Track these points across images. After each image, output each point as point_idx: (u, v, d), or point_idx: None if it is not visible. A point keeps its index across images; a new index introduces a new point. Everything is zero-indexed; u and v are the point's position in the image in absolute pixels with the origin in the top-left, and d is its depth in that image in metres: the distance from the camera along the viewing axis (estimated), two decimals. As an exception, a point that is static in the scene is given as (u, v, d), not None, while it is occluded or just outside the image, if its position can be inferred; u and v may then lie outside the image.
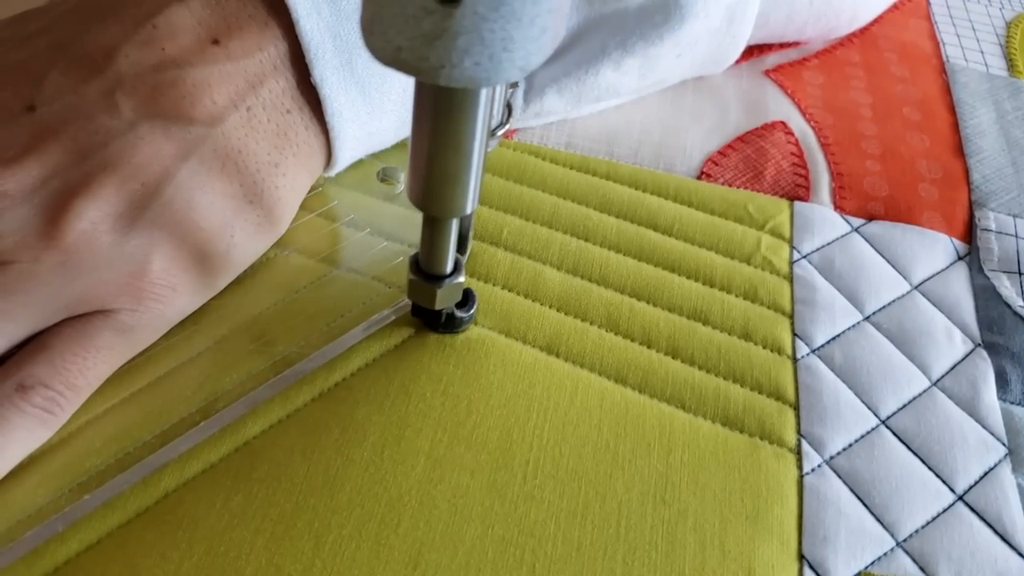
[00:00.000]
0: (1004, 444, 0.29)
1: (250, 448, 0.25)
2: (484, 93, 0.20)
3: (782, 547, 0.25)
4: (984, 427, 0.29)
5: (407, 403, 0.27)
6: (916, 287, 0.33)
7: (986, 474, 0.28)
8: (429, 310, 0.27)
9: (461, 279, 0.26)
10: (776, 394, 0.29)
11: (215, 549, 0.23)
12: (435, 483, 0.25)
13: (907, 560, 0.26)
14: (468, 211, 0.23)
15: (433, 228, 0.24)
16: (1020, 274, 0.34)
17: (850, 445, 0.28)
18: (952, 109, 0.40)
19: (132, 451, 0.25)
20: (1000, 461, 0.28)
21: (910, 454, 0.28)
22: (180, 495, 0.24)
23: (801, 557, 0.25)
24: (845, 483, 0.27)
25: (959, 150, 0.38)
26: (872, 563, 0.26)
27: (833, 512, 0.26)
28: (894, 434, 0.29)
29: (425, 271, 0.26)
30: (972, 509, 0.27)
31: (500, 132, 0.29)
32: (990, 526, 0.27)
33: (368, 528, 0.24)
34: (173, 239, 0.25)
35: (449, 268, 0.26)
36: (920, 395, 0.30)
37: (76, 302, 0.24)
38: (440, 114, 0.21)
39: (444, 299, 0.27)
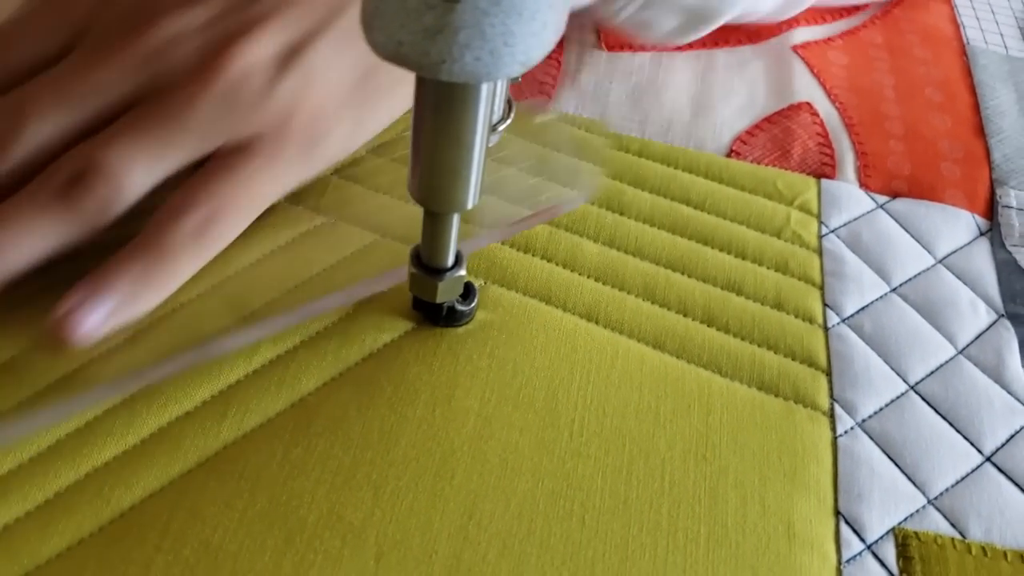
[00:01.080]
0: (1028, 410, 0.30)
1: (305, 404, 0.26)
2: (485, 88, 0.21)
3: (819, 503, 0.26)
4: (1009, 393, 0.30)
5: (455, 364, 0.28)
6: (940, 261, 0.34)
7: (1012, 437, 0.29)
8: (430, 303, 0.28)
9: (462, 272, 0.26)
10: (809, 360, 0.30)
11: (278, 498, 0.24)
12: (486, 439, 0.26)
13: (938, 516, 0.27)
14: (469, 206, 0.24)
15: (434, 223, 0.25)
16: (1040, 249, 0.35)
17: (881, 409, 0.29)
18: (972, 90, 0.41)
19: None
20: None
21: (939, 418, 0.29)
22: (239, 447, 0.25)
23: (837, 513, 0.26)
24: (877, 444, 0.28)
25: (980, 130, 0.39)
26: (905, 519, 0.27)
27: (866, 471, 0.27)
28: (923, 399, 0.29)
29: (426, 264, 0.26)
30: (1000, 469, 0.28)
31: (501, 127, 0.30)
32: (1017, 485, 0.28)
33: (424, 480, 0.25)
34: (312, 94, 0.27)
35: (450, 262, 0.26)
36: (947, 363, 0.31)
37: (230, 134, 0.26)
38: (441, 109, 0.21)
39: (445, 292, 0.27)
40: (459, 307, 0.28)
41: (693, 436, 0.27)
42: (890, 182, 0.36)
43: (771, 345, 0.30)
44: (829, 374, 0.30)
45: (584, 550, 0.24)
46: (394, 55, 0.19)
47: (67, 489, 0.24)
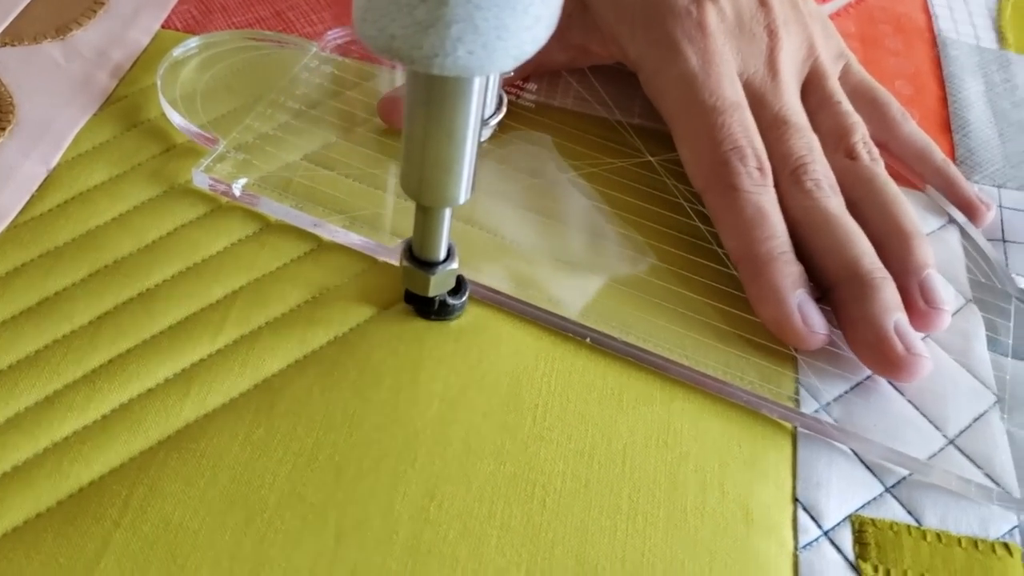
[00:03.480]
0: (994, 392, 0.30)
1: (269, 385, 0.26)
2: (478, 82, 0.21)
3: (778, 490, 0.27)
4: (975, 376, 0.30)
5: (420, 349, 0.28)
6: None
7: (977, 419, 0.29)
8: (422, 297, 0.28)
9: (454, 266, 0.27)
10: (773, 346, 0.30)
11: (239, 478, 0.24)
12: (449, 423, 0.26)
13: (896, 504, 0.27)
14: (461, 201, 0.24)
15: (427, 217, 0.25)
16: (1004, 241, 0.35)
17: (844, 393, 0.29)
18: (942, 83, 0.42)
19: None
20: (990, 408, 0.30)
21: (904, 401, 0.29)
22: (201, 426, 0.25)
23: (795, 500, 0.27)
24: (839, 425, 0.28)
25: (946, 125, 0.40)
26: (862, 506, 0.27)
27: (826, 458, 0.28)
28: (888, 382, 0.30)
29: (418, 258, 0.26)
30: (963, 452, 0.28)
31: (494, 122, 0.29)
32: (979, 467, 0.28)
33: (386, 462, 0.25)
34: None
35: (442, 255, 0.26)
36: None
37: None
38: (434, 103, 0.21)
39: (437, 286, 0.27)
40: (450, 301, 0.28)
41: (655, 422, 0.27)
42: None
43: (736, 330, 0.30)
44: (794, 359, 0.30)
45: (544, 532, 0.24)
46: (386, 49, 0.18)
47: (25, 463, 0.24)
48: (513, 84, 0.37)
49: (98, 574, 0.22)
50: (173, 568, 0.22)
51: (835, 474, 0.27)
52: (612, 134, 0.36)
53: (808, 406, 0.29)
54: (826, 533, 0.26)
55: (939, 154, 0.36)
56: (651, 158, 0.35)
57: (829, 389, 0.29)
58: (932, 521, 0.27)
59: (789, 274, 0.29)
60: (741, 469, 0.27)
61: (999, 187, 0.37)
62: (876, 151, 0.33)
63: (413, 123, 0.22)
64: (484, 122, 0.27)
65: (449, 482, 0.25)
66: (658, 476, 0.26)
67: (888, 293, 0.29)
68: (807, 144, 0.32)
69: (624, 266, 0.31)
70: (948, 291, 0.32)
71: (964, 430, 0.29)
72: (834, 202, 0.31)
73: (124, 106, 0.34)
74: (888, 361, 0.28)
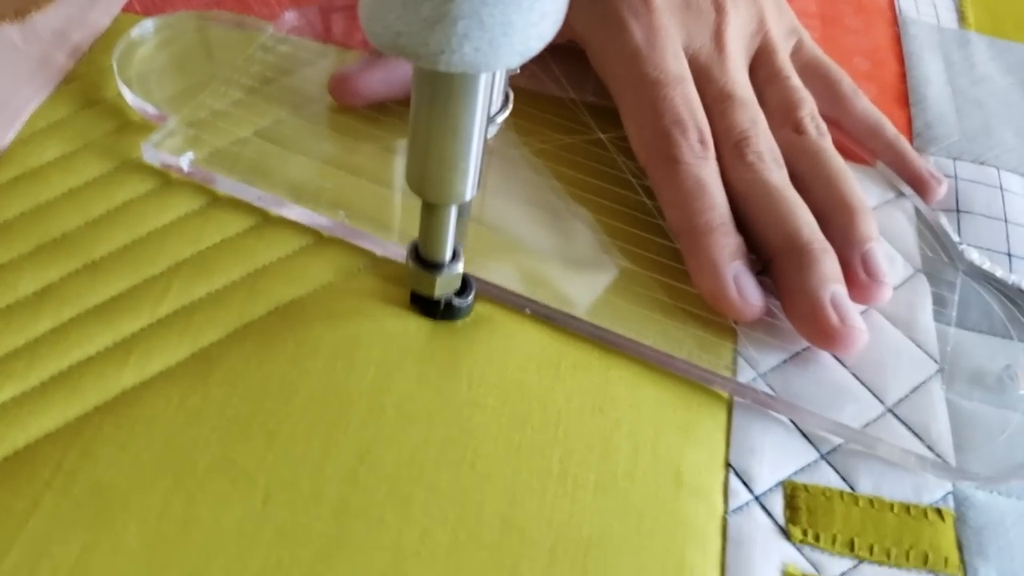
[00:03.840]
0: (936, 361, 0.30)
1: (207, 354, 0.27)
2: (484, 79, 0.20)
3: (710, 455, 0.27)
4: (918, 346, 0.31)
5: (360, 321, 0.28)
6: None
7: (917, 389, 0.29)
8: (427, 298, 0.28)
9: (460, 266, 0.26)
10: (712, 313, 0.30)
11: (172, 443, 0.24)
12: (384, 390, 0.26)
13: (830, 471, 0.27)
14: (467, 198, 0.24)
15: (432, 215, 0.24)
16: (958, 212, 0.36)
17: (784, 362, 0.29)
18: (901, 60, 0.42)
19: None
20: (931, 377, 0.30)
21: (843, 370, 0.30)
22: (138, 393, 0.25)
23: (728, 465, 0.27)
24: (776, 395, 0.29)
25: (904, 99, 0.40)
26: (795, 472, 0.27)
27: (761, 424, 0.28)
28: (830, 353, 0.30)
29: (424, 258, 0.26)
30: (900, 420, 0.29)
31: (500, 118, 0.29)
32: (917, 436, 0.28)
33: (318, 428, 0.25)
34: None
35: (448, 256, 0.26)
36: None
37: None
38: (439, 100, 0.21)
39: (443, 287, 0.27)
40: (456, 302, 0.28)
41: (592, 390, 0.28)
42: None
43: (677, 303, 0.30)
44: (733, 331, 0.30)
45: (472, 493, 0.25)
46: (392, 45, 0.18)
47: (-40, 429, 0.24)
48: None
49: (26, 533, 0.22)
50: (100, 528, 0.23)
51: (769, 441, 0.28)
52: (564, 112, 0.36)
53: (745, 375, 0.29)
54: (757, 497, 0.26)
55: (891, 129, 0.36)
56: (601, 135, 0.35)
57: (767, 359, 0.29)
58: (866, 487, 0.27)
59: (726, 245, 0.29)
60: (675, 435, 0.27)
61: (955, 159, 0.38)
62: (824, 126, 0.33)
63: (419, 120, 0.21)
64: (490, 119, 0.27)
65: (380, 446, 0.25)
66: (591, 441, 0.26)
67: (826, 264, 0.29)
68: (751, 118, 0.32)
69: (570, 241, 0.32)
70: (898, 263, 0.32)
71: (903, 399, 0.29)
72: (776, 175, 0.31)
73: (81, 86, 0.35)
74: (823, 332, 0.28)
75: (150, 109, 0.33)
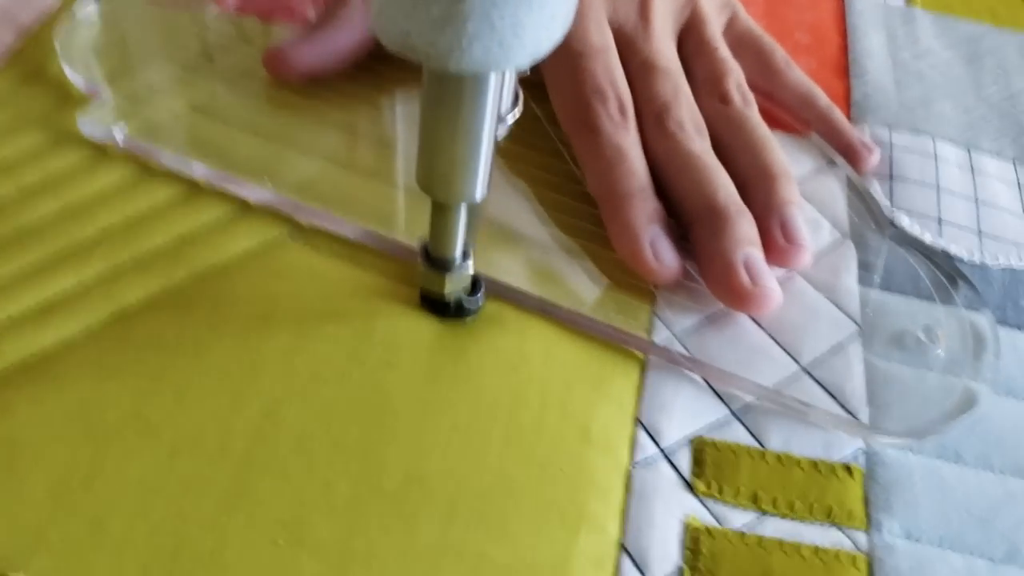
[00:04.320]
0: (856, 323, 0.31)
1: (127, 317, 0.27)
2: (494, 79, 0.20)
3: (620, 411, 0.27)
4: (839, 308, 0.31)
5: (279, 283, 0.29)
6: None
7: (834, 348, 0.30)
8: (437, 297, 0.28)
9: (470, 265, 0.27)
10: (632, 275, 0.31)
11: (85, 399, 0.25)
12: (297, 351, 0.27)
13: (740, 428, 0.28)
14: (477, 198, 0.24)
15: (443, 214, 0.24)
16: (891, 178, 0.36)
17: (701, 323, 0.30)
18: (844, 34, 0.42)
19: None
20: (850, 337, 0.30)
21: (760, 331, 0.30)
22: (58, 353, 0.26)
23: (637, 421, 0.27)
24: (690, 354, 0.29)
25: (844, 71, 0.40)
26: (705, 429, 0.28)
27: (674, 382, 0.28)
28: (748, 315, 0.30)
29: (434, 258, 0.26)
30: (815, 379, 0.29)
31: (510, 118, 0.29)
32: (831, 395, 0.29)
33: (228, 386, 0.26)
34: None
35: (458, 254, 0.26)
36: (780, 280, 0.31)
37: None
38: (449, 100, 0.21)
39: (453, 286, 0.27)
40: (467, 302, 0.28)
41: (506, 349, 0.28)
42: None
43: (599, 266, 0.31)
44: (652, 294, 0.30)
45: (376, 448, 0.25)
46: (402, 46, 0.18)
47: None
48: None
49: (-65, 484, 0.23)
50: (12, 480, 0.23)
51: (681, 398, 0.28)
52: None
53: (660, 336, 0.29)
54: (664, 452, 0.27)
55: (823, 100, 0.36)
56: (535, 108, 0.35)
57: (683, 320, 0.30)
58: (775, 444, 0.27)
59: (644, 210, 0.30)
60: (586, 392, 0.27)
61: (891, 129, 0.38)
62: (750, 95, 0.34)
63: (429, 120, 0.21)
64: (500, 119, 0.27)
65: (289, 404, 0.26)
66: (501, 397, 0.27)
67: (740, 228, 0.29)
68: (673, 88, 0.32)
69: (500, 208, 0.32)
70: (825, 230, 0.33)
71: (819, 359, 0.29)
72: (696, 143, 0.31)
73: (25, 63, 0.35)
74: (735, 293, 0.29)
75: (91, 85, 0.34)
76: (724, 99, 0.33)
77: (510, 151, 0.34)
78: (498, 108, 0.22)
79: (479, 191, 0.23)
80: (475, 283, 0.28)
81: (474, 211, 0.26)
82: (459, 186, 0.23)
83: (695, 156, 0.31)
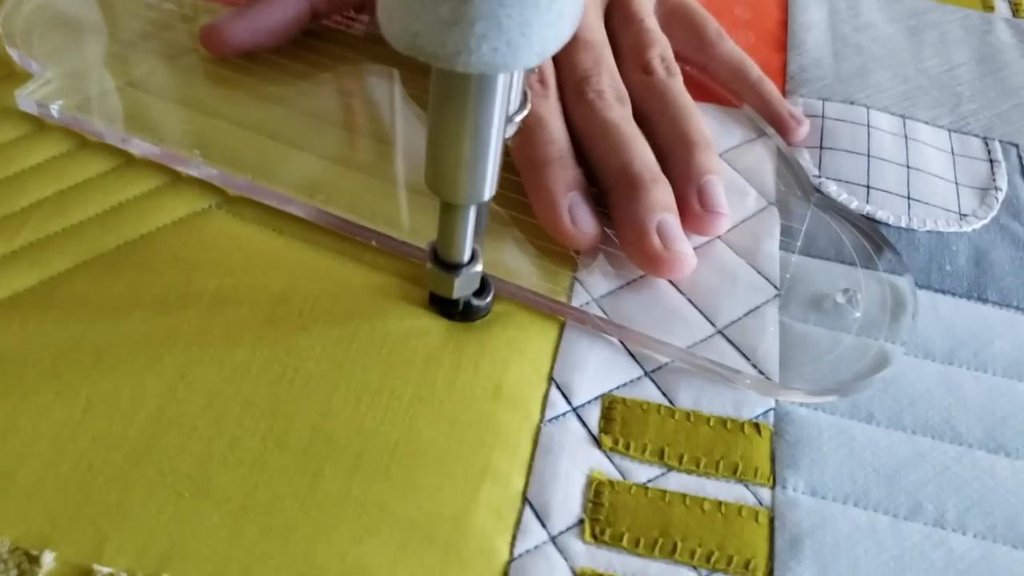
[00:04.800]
0: (775, 287, 0.31)
1: (53, 282, 0.28)
2: (502, 79, 0.20)
3: (534, 370, 0.28)
4: (759, 272, 0.31)
5: (202, 251, 0.29)
6: (720, 154, 0.35)
7: (751, 312, 0.30)
8: (446, 299, 0.28)
9: (479, 267, 0.26)
10: (552, 241, 0.31)
11: (5, 360, 0.26)
12: (214, 315, 0.28)
13: (652, 387, 0.28)
14: (486, 198, 0.23)
15: (451, 215, 0.24)
16: (821, 148, 0.36)
17: (617, 289, 0.30)
18: (785, 8, 0.42)
19: None
20: (768, 301, 0.31)
21: (678, 295, 0.30)
22: (-17, 317, 0.27)
23: (551, 379, 0.28)
24: (607, 317, 0.29)
25: (782, 45, 0.40)
26: (617, 387, 0.28)
27: (588, 343, 0.29)
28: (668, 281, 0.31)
29: (443, 259, 0.26)
30: (729, 341, 0.29)
31: (518, 118, 0.29)
32: (744, 356, 0.29)
33: (144, 348, 0.27)
34: None
35: (467, 256, 0.26)
36: (699, 246, 0.32)
37: None
38: (458, 100, 0.21)
39: (462, 288, 0.27)
40: (475, 302, 0.28)
41: (423, 313, 0.29)
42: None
43: (524, 233, 0.31)
44: (573, 260, 0.31)
45: (286, 406, 0.26)
46: (410, 46, 0.18)
47: None
48: (345, 15, 0.38)
49: None
50: (-73, 435, 0.24)
51: (595, 358, 0.29)
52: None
53: (579, 299, 0.30)
54: (575, 409, 0.27)
55: (755, 71, 0.37)
56: None
57: (602, 285, 0.30)
58: (686, 402, 0.28)
59: (563, 177, 0.30)
60: (501, 352, 0.28)
61: (824, 100, 0.38)
62: (674, 66, 0.34)
63: (437, 120, 0.21)
64: (509, 119, 0.27)
65: (202, 365, 0.26)
66: (414, 358, 0.27)
67: (655, 194, 0.30)
68: (594, 58, 0.33)
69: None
70: (750, 198, 0.33)
71: (735, 321, 0.30)
72: (616, 111, 0.32)
73: (-32, 43, 0.36)
74: (648, 258, 0.29)
75: (32, 63, 0.35)
76: (647, 69, 0.34)
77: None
78: (506, 108, 0.22)
79: (487, 191, 0.23)
80: (484, 284, 0.28)
81: (482, 212, 0.26)
82: (468, 187, 0.23)
83: (612, 124, 0.31)
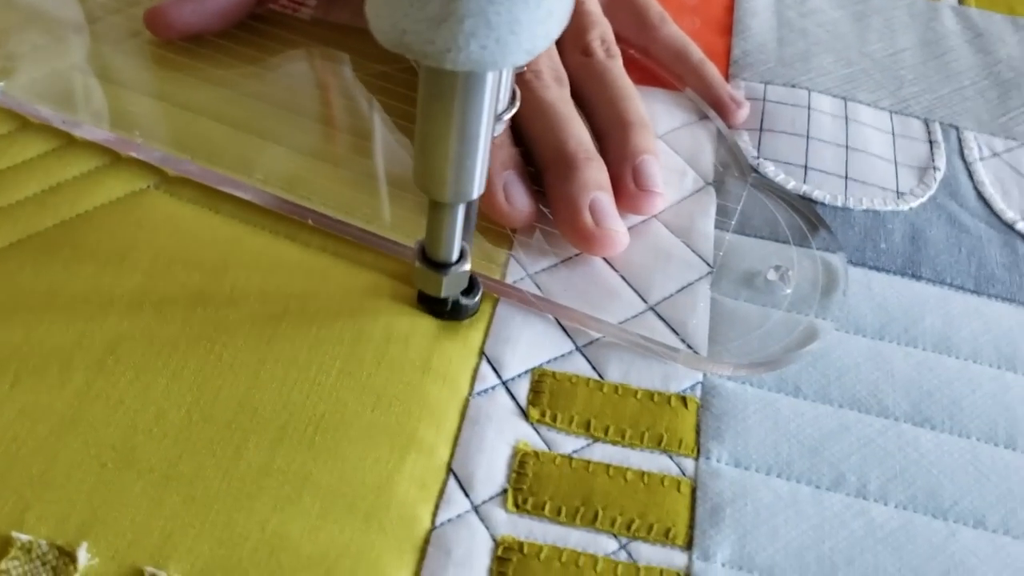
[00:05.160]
0: (709, 264, 0.31)
1: (-13, 260, 0.28)
2: (491, 77, 0.20)
3: (465, 345, 0.28)
4: (693, 250, 0.32)
5: (138, 232, 0.30)
6: (661, 136, 0.36)
7: (683, 288, 0.31)
8: (434, 297, 0.28)
9: (467, 266, 0.26)
10: (488, 220, 0.31)
11: (-66, 335, 0.26)
12: (146, 292, 0.28)
13: (582, 361, 0.29)
14: (474, 196, 0.23)
15: (439, 213, 0.24)
16: (761, 130, 0.37)
17: (552, 267, 0.31)
18: (732, -6, 0.43)
19: None
20: (700, 278, 0.31)
21: (612, 273, 0.31)
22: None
23: (482, 354, 0.28)
24: (540, 293, 0.30)
25: (728, 30, 0.41)
26: (548, 361, 0.28)
27: (521, 318, 0.29)
28: (604, 259, 0.31)
29: (431, 258, 0.26)
30: (660, 317, 0.30)
31: (507, 116, 0.30)
32: (674, 331, 0.29)
33: (76, 323, 0.27)
34: None
35: (455, 255, 0.26)
36: (635, 225, 0.32)
37: None
38: (446, 98, 0.20)
39: (450, 287, 0.27)
40: (463, 301, 0.28)
41: (357, 290, 0.29)
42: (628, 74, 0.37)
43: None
44: (510, 238, 0.31)
45: (212, 380, 0.26)
46: (398, 43, 0.18)
47: None
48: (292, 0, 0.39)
49: None
50: None
51: (527, 333, 0.29)
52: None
53: (513, 277, 0.30)
54: (504, 382, 0.28)
55: (696, 54, 0.37)
56: (415, 63, 0.36)
57: (539, 263, 0.31)
58: (615, 376, 0.28)
59: (499, 156, 0.31)
60: (432, 328, 0.28)
61: (766, 83, 0.39)
62: (614, 48, 0.35)
63: (426, 118, 0.21)
64: (497, 117, 0.27)
65: (132, 340, 0.27)
66: (344, 334, 0.28)
67: (589, 172, 0.30)
68: None
69: (380, 161, 0.33)
70: (688, 178, 0.34)
71: (667, 297, 0.30)
72: (553, 92, 0.32)
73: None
74: (580, 235, 0.30)
75: (-24, 47, 0.35)
76: (586, 51, 0.34)
77: (388, 105, 0.35)
78: (495, 106, 0.21)
79: (476, 190, 0.23)
80: (472, 282, 0.28)
81: (471, 210, 0.26)
82: (456, 185, 0.23)
83: (549, 104, 0.32)
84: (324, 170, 0.32)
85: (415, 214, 0.31)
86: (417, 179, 0.23)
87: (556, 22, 0.19)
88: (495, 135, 0.27)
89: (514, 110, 0.29)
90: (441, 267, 0.26)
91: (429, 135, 0.22)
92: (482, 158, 0.22)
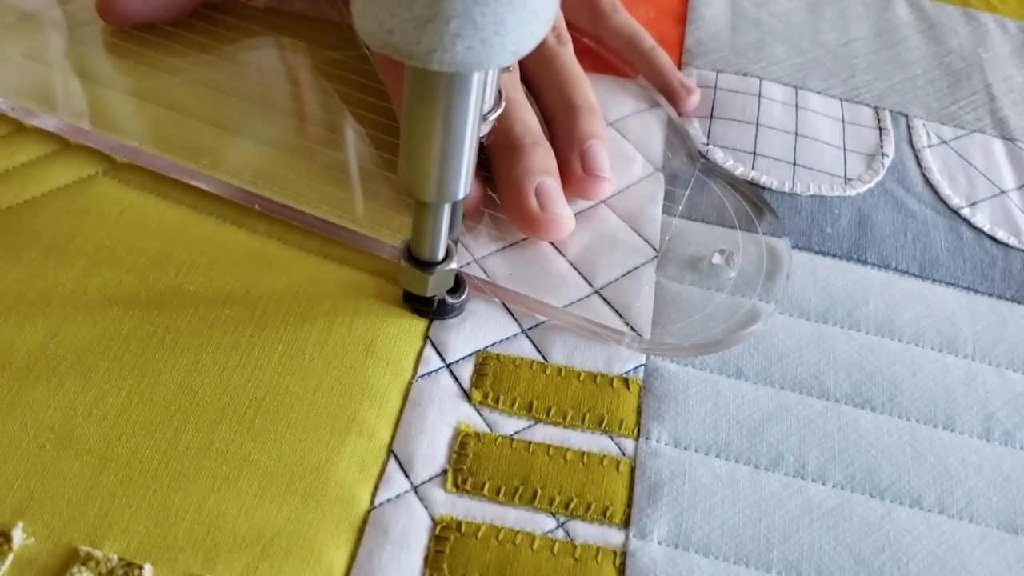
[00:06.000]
0: (655, 249, 0.32)
1: (-72, 247, 0.28)
2: (476, 78, 0.20)
3: (409, 328, 0.28)
4: (640, 235, 0.32)
5: (84, 217, 0.30)
6: (611, 123, 0.36)
7: (629, 272, 0.31)
8: (420, 296, 0.28)
9: (453, 265, 0.27)
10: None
11: None
12: (90, 277, 0.28)
13: (528, 344, 0.29)
14: (460, 196, 0.23)
15: (424, 213, 0.24)
16: (711, 118, 0.37)
17: (501, 249, 0.31)
18: (686, -16, 0.43)
19: None
20: (646, 262, 0.31)
21: (558, 256, 0.31)
22: None
23: (426, 337, 0.28)
24: (487, 278, 0.30)
25: (682, 19, 0.41)
26: (493, 344, 0.29)
27: (469, 303, 0.29)
28: (552, 244, 0.31)
29: (416, 258, 0.26)
30: (605, 301, 0.30)
31: (492, 116, 0.30)
32: (618, 314, 0.30)
33: (18, 307, 0.27)
34: None
35: (441, 254, 0.26)
36: (583, 210, 0.33)
37: None
38: (432, 99, 0.20)
39: (436, 286, 0.27)
40: (449, 300, 0.28)
41: (302, 275, 0.29)
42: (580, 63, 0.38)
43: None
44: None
45: (154, 363, 0.26)
46: (384, 44, 0.18)
47: None
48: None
49: None
50: None
51: (472, 317, 0.29)
52: (336, 31, 0.38)
53: (460, 260, 0.30)
54: (448, 365, 0.28)
55: (647, 42, 0.37)
56: (368, 51, 0.36)
57: (486, 247, 0.31)
58: (558, 358, 0.29)
59: None
60: (377, 312, 0.29)
61: (718, 71, 0.39)
62: (566, 35, 0.35)
63: (411, 118, 0.21)
64: (483, 117, 0.27)
65: (75, 324, 0.27)
66: (288, 318, 0.28)
67: (535, 157, 0.30)
68: None
69: (330, 147, 0.33)
70: (637, 164, 0.34)
71: (612, 281, 0.31)
72: (502, 77, 0.32)
73: None
74: (525, 219, 0.30)
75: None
76: None
77: (342, 93, 0.35)
78: (481, 107, 0.22)
79: (462, 190, 0.23)
80: (458, 281, 0.28)
81: (457, 210, 0.26)
82: (442, 185, 0.23)
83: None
84: (273, 156, 0.32)
85: (361, 199, 0.31)
86: (402, 179, 0.23)
87: (541, 23, 0.19)
88: (481, 136, 0.27)
89: (500, 110, 0.29)
90: (427, 266, 0.26)
91: (414, 136, 0.22)
92: (468, 159, 0.22)
